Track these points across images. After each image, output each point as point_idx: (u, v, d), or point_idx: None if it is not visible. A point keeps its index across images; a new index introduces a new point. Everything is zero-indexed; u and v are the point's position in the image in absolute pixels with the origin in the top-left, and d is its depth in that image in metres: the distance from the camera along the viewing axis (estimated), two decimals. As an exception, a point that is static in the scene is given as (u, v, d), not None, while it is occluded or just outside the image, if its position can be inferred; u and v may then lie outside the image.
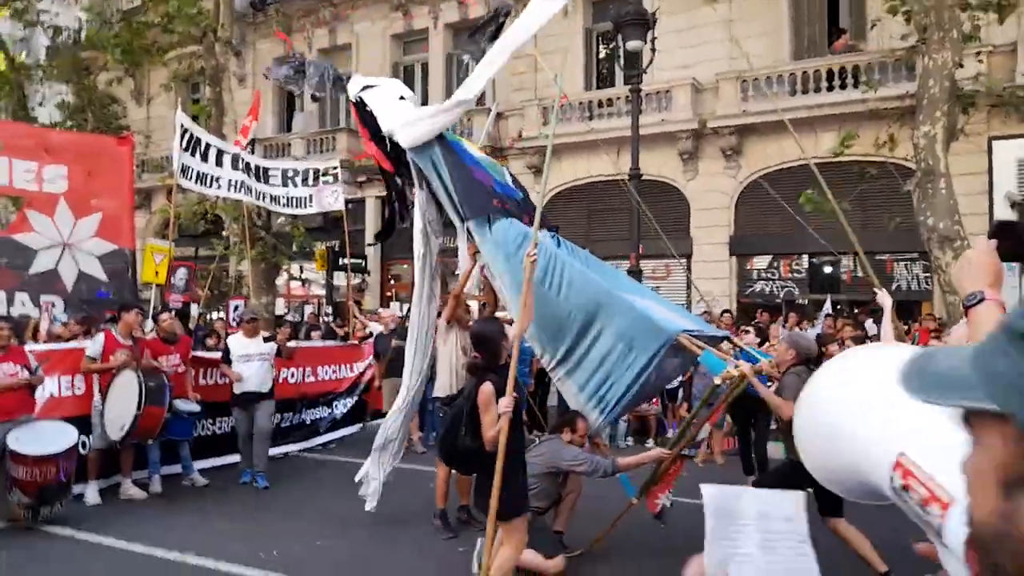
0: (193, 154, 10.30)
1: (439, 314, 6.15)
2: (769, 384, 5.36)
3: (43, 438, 5.72)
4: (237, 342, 7.48)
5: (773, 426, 6.78)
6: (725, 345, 5.90)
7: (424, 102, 19.71)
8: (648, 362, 4.71)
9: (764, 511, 2.24)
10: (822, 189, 6.57)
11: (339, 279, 18.63)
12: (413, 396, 5.98)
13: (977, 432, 0.66)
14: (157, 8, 14.01)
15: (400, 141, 5.50)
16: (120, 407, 6.41)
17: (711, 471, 8.47)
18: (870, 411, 1.93)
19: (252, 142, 11.69)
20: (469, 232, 5.44)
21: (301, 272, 21.11)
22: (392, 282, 20.40)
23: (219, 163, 10.57)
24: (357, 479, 6.04)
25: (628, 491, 5.35)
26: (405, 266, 20.34)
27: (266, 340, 7.68)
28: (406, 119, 5.54)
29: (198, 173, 10.43)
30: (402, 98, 5.86)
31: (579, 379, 5.12)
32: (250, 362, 7.35)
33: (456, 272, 6.85)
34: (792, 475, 4.52)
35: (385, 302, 18.96)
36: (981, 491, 0.64)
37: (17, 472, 5.58)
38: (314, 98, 7.74)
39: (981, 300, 1.31)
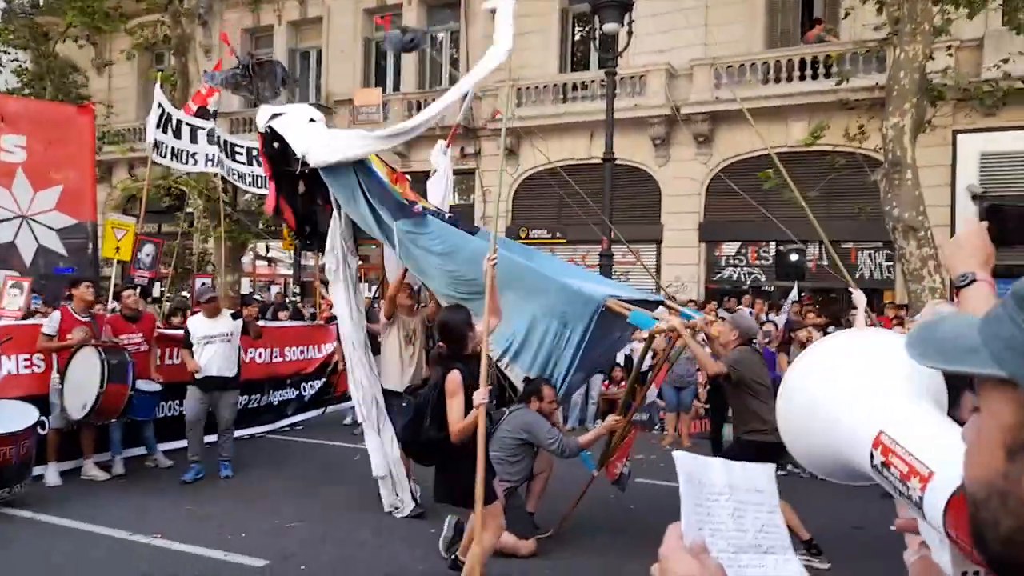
0: (165, 131, 10.10)
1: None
2: (703, 345, 5.60)
3: (2, 418, 5.54)
4: (198, 323, 6.96)
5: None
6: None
7: (396, 79, 19.48)
8: (584, 332, 4.86)
9: (734, 482, 2.25)
10: (793, 181, 6.63)
11: (306, 258, 18.39)
12: (374, 402, 5.97)
13: (983, 398, 0.68)
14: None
15: (312, 161, 5.59)
16: (81, 385, 6.23)
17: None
18: (851, 392, 1.98)
19: (215, 113, 11.43)
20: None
21: (267, 251, 20.77)
22: (360, 263, 20.17)
23: (194, 139, 10.39)
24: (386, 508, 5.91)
25: (588, 466, 5.44)
26: (374, 246, 20.13)
27: (234, 317, 7.46)
28: (323, 141, 5.65)
29: (173, 149, 10.23)
30: (312, 120, 5.95)
31: (524, 362, 5.25)
32: (212, 344, 6.84)
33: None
34: (741, 453, 4.65)
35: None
36: (985, 454, 0.65)
37: (-27, 452, 5.41)
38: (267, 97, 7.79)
39: (972, 281, 1.35)
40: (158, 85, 10.42)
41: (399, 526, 5.64)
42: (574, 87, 16.65)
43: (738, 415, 5.13)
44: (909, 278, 9.29)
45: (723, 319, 8.34)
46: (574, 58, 18.02)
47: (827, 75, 14.07)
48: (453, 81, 18.75)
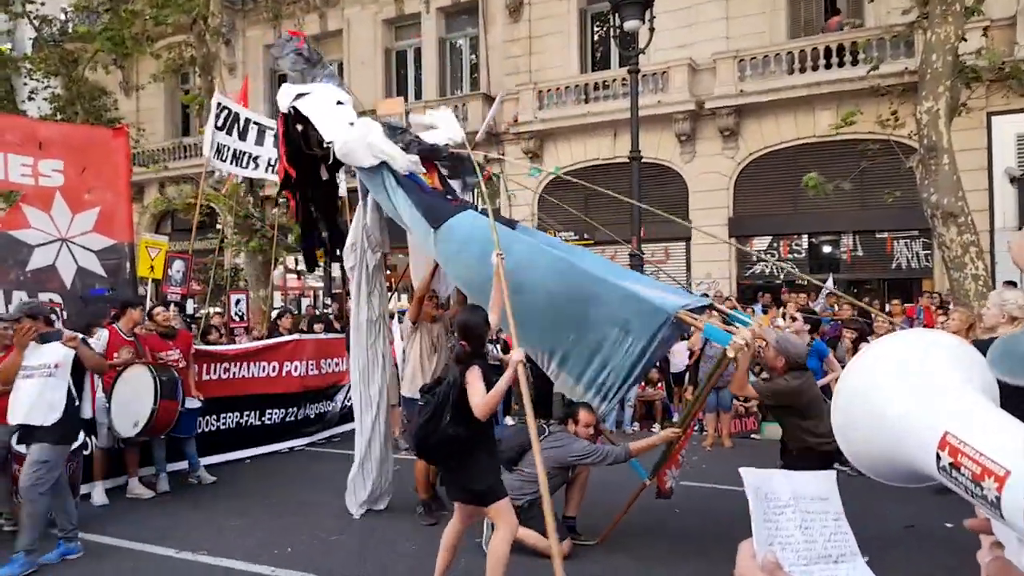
0: (230, 132, 10.06)
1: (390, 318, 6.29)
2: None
3: (48, 440, 5.62)
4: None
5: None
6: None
7: (418, 88, 19.57)
8: (648, 343, 4.63)
9: (798, 492, 2.20)
10: (823, 171, 6.47)
11: (336, 271, 18.53)
12: (378, 404, 6.02)
13: None
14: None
15: (351, 161, 5.41)
16: (131, 404, 6.32)
17: (720, 455, 8.46)
18: (910, 394, 1.93)
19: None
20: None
21: (296, 264, 20.97)
22: (388, 272, 20.28)
23: (260, 141, 10.33)
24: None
25: (641, 474, 5.34)
26: (401, 256, 20.23)
27: (271, 331, 7.49)
28: (357, 135, 5.38)
29: (234, 152, 10.19)
30: (340, 103, 5.64)
31: (574, 369, 5.07)
32: (29, 378, 4.98)
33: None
34: (798, 465, 4.53)
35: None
36: None
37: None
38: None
39: None
40: (217, 92, 10.43)
41: (440, 536, 5.62)
42: (596, 87, 16.57)
43: (787, 431, 4.95)
44: (950, 266, 9.06)
45: (793, 319, 8.16)
46: (594, 58, 17.94)
47: (854, 62, 13.82)
48: (475, 86, 18.80)
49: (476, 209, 5.50)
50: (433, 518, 5.87)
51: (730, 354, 4.25)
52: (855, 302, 8.21)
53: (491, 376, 3.93)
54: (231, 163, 10.34)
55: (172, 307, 8.31)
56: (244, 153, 10.34)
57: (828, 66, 14.24)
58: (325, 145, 5.54)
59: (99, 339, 6.65)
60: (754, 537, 1.64)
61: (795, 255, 15.45)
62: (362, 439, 6.09)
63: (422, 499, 6.03)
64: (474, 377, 3.88)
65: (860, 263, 14.72)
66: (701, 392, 5.40)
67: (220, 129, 9.93)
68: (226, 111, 10.03)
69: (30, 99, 16.83)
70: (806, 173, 11.13)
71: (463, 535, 4.33)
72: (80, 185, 9.58)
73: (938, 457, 1.58)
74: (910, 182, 9.85)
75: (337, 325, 12.01)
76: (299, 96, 5.58)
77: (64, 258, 9.45)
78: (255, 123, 10.39)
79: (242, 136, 10.24)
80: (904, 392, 2.08)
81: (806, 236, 15.29)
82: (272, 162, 10.38)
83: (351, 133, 5.40)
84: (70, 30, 19.05)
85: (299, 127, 5.66)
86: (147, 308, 8.70)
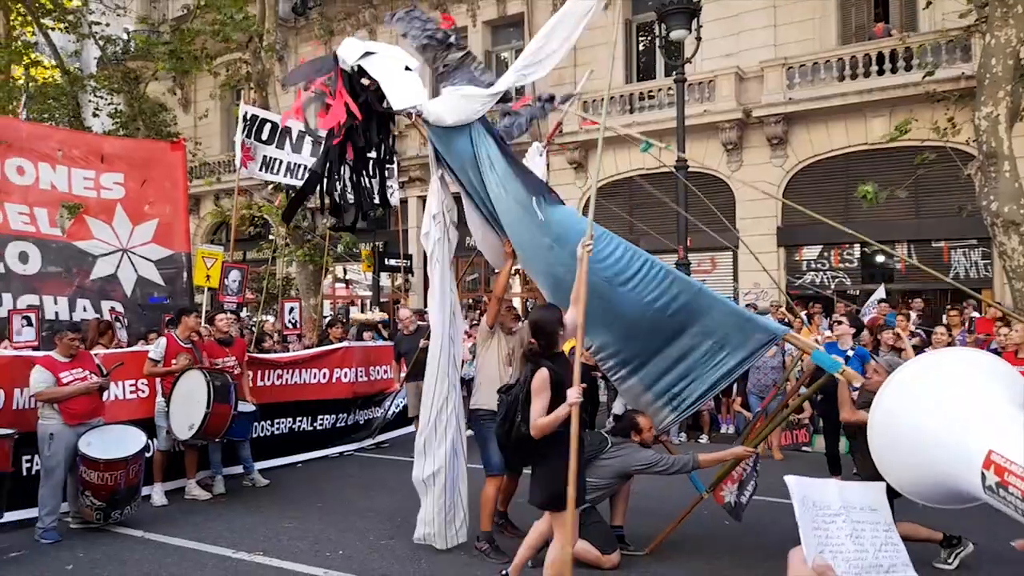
0: (280, 146, 10.30)
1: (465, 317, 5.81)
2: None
3: (113, 443, 5.86)
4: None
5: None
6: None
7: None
8: (742, 361, 4.60)
9: (849, 502, 2.20)
10: (876, 179, 6.34)
11: (384, 279, 18.83)
12: (450, 406, 5.40)
13: None
14: (205, 16, 14.27)
15: (430, 117, 4.96)
16: (187, 407, 6.54)
17: (771, 467, 8.31)
18: (951, 415, 1.91)
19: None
20: (502, 228, 5.08)
21: (345, 273, 21.36)
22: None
23: (298, 150, 10.54)
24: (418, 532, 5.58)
25: (698, 487, 5.28)
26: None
27: (321, 340, 7.65)
28: (437, 98, 5.02)
29: (288, 164, 10.42)
30: (408, 68, 5.19)
31: (647, 377, 4.95)
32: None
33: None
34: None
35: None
36: None
37: (90, 476, 5.73)
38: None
39: None
40: (242, 103, 10.72)
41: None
42: (641, 96, 16.54)
43: (864, 458, 4.82)
44: (1012, 276, 8.79)
45: (839, 322, 8.01)
46: (639, 68, 17.92)
47: (908, 68, 13.52)
48: (520, 93, 18.90)
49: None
50: (503, 556, 5.12)
51: (838, 377, 4.35)
52: (936, 274, 7.36)
53: (562, 377, 3.87)
54: (285, 175, 10.57)
55: (228, 314, 8.53)
56: (298, 165, 10.58)
57: (881, 72, 13.96)
58: (397, 107, 5.06)
59: (158, 346, 6.90)
60: (803, 544, 1.65)
61: (846, 265, 15.13)
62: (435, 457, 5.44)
63: (485, 531, 5.37)
64: (539, 386, 3.84)
65: (915, 273, 14.32)
66: (793, 408, 5.30)
67: (267, 143, 10.15)
68: (269, 124, 10.24)
69: (95, 115, 17.56)
70: (858, 181, 10.94)
71: (547, 537, 4.30)
72: (140, 197, 9.97)
73: (983, 476, 1.57)
74: (968, 190, 9.59)
75: (385, 333, 12.21)
76: (366, 55, 5.09)
77: (125, 268, 9.83)
78: (300, 130, 10.56)
79: (295, 148, 10.48)
80: (943, 412, 2.08)
81: (858, 246, 14.95)
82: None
83: (447, 97, 5.04)
84: (132, 49, 19.83)
85: (364, 82, 5.10)
86: (202, 316, 8.98)
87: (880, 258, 14.89)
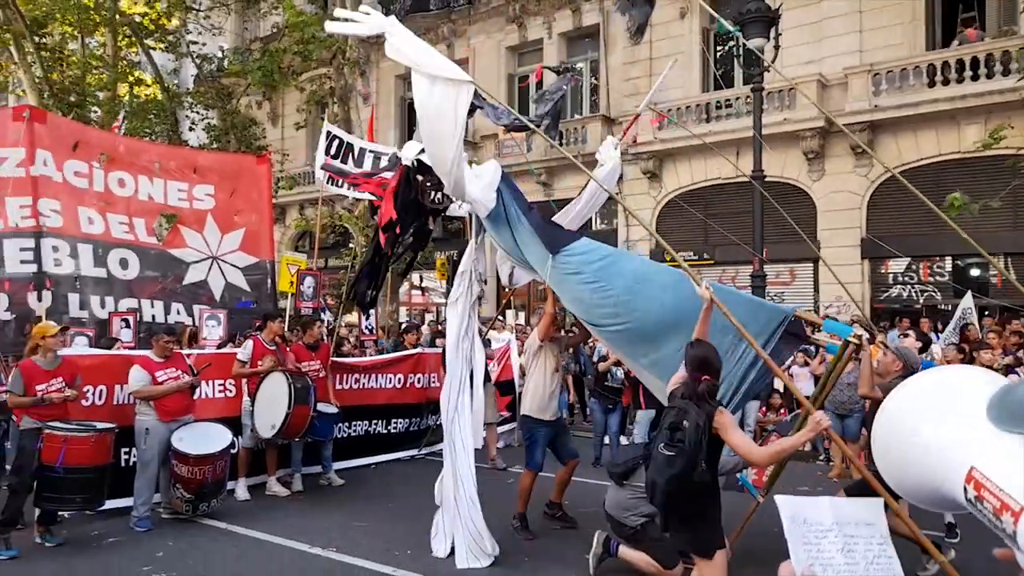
0: (344, 160, 10.68)
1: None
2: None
3: (203, 439, 6.24)
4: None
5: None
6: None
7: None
8: (765, 343, 4.63)
9: (842, 519, 2.23)
10: (969, 189, 6.10)
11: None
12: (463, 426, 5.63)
13: None
14: (292, 35, 14.95)
15: (480, 205, 5.39)
16: (270, 408, 6.88)
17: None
18: (944, 427, 1.95)
19: None
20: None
21: (421, 281, 21.84)
22: (506, 289, 20.70)
23: (375, 166, 10.92)
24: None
25: (752, 492, 5.19)
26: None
27: (395, 345, 7.88)
28: (470, 175, 5.37)
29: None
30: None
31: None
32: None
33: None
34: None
35: (502, 310, 19.25)
36: None
37: (180, 470, 6.11)
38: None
39: None
40: (326, 121, 11.20)
41: (553, 546, 5.72)
42: (718, 105, 16.30)
43: None
44: (1118, 292, 8.21)
45: (905, 335, 7.77)
46: (717, 76, 17.65)
47: (1005, 72, 12.85)
48: (594, 109, 18.98)
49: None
50: (529, 534, 6.01)
51: (852, 340, 4.52)
52: None
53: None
54: (348, 187, 10.94)
55: (321, 322, 8.85)
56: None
57: (975, 78, 13.32)
58: (442, 197, 5.86)
59: (245, 348, 7.28)
60: (792, 558, 1.69)
61: (937, 278, 14.44)
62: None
63: (520, 511, 6.14)
64: (730, 422, 3.65)
65: (1012, 288, 13.53)
66: (824, 389, 5.12)
67: (335, 158, 10.54)
68: (337, 140, 10.64)
69: (191, 130, 18.62)
70: (948, 191, 10.43)
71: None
72: (229, 208, 10.52)
73: (965, 489, 1.64)
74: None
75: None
76: (423, 151, 5.81)
77: (214, 274, 10.38)
78: (370, 151, 11.00)
79: (358, 163, 10.84)
80: (937, 424, 2.11)
81: (949, 258, 14.27)
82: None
83: (478, 181, 5.42)
84: (226, 67, 20.92)
85: (419, 178, 5.91)
86: (286, 320, 9.39)
87: (975, 271, 14.17)
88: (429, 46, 5.04)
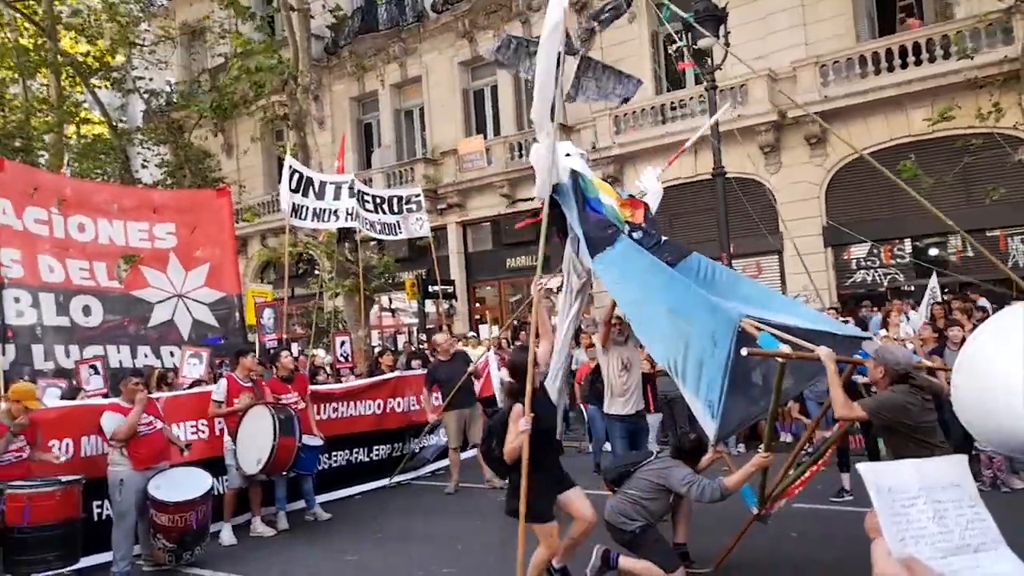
0: (305, 194, 10.68)
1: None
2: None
3: (182, 485, 6.02)
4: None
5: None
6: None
7: (496, 125, 20.01)
8: (728, 352, 4.38)
9: (928, 481, 2.10)
10: (922, 170, 6.21)
11: (428, 306, 19.00)
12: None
13: None
14: (240, 65, 14.76)
15: (537, 194, 5.65)
16: (254, 442, 6.71)
17: (836, 474, 8.09)
18: None
19: None
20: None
21: (390, 303, 21.64)
22: (478, 304, 20.63)
23: (336, 196, 10.92)
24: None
25: (749, 501, 5.16)
26: (489, 288, 20.56)
27: (371, 371, 7.77)
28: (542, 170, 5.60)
29: (314, 211, 10.78)
30: (568, 155, 5.88)
31: (691, 385, 4.93)
32: None
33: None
34: None
35: (474, 325, 19.18)
36: None
37: (160, 519, 5.89)
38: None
39: None
40: (288, 155, 11.11)
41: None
42: (672, 107, 16.48)
43: (895, 456, 4.24)
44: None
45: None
46: (669, 78, 17.87)
47: (946, 56, 13.21)
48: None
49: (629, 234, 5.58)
50: None
51: (779, 360, 4.25)
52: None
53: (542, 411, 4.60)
54: (312, 220, 10.87)
55: (289, 353, 8.69)
56: (324, 210, 10.84)
57: (918, 63, 13.66)
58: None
59: (219, 387, 7.09)
60: (885, 535, 1.61)
61: (898, 261, 14.74)
62: None
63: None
64: (515, 415, 4.54)
65: (971, 264, 13.87)
66: (774, 404, 5.08)
67: (295, 191, 10.47)
68: (298, 174, 10.59)
69: (143, 167, 18.27)
70: (905, 162, 10.63)
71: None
72: (191, 244, 10.33)
73: None
74: (1020, 175, 9.28)
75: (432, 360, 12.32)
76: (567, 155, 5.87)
77: (181, 312, 10.16)
78: (331, 183, 10.96)
79: (319, 196, 10.77)
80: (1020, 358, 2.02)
81: (908, 240, 14.57)
82: (349, 211, 10.83)
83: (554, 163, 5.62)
84: (175, 100, 20.58)
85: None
86: (257, 354, 9.18)
87: (934, 251, 14.48)
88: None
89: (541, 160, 5.53)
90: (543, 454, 4.58)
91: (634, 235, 5.56)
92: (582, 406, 10.22)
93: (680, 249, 5.87)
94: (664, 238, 5.99)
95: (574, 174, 5.63)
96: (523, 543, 4.46)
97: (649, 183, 6.90)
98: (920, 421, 4.11)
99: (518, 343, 11.42)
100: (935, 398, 4.31)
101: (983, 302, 10.15)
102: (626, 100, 7.01)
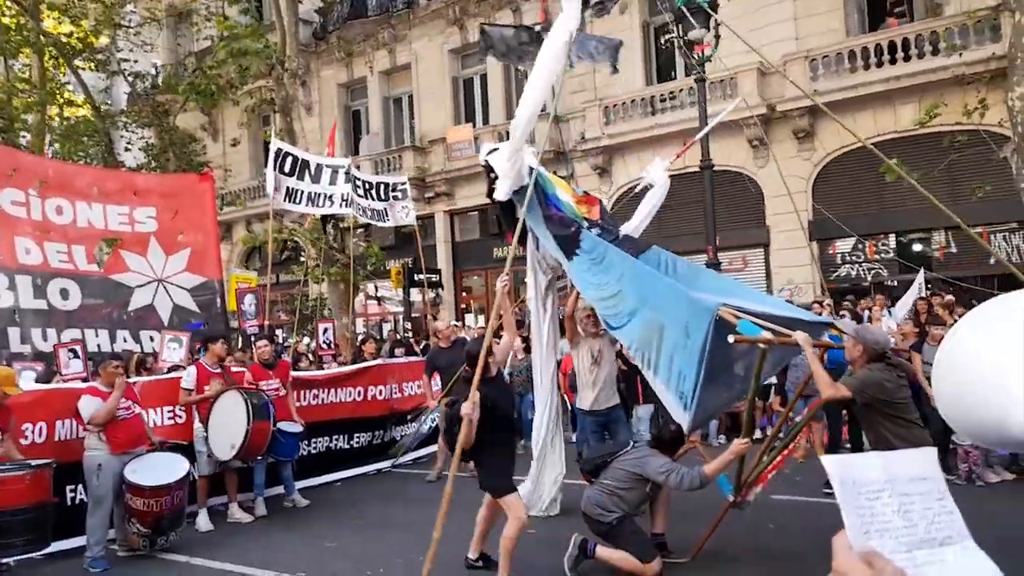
0: (301, 177, 10.57)
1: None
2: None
3: (158, 469, 5.96)
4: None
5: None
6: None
7: (485, 113, 19.90)
8: (704, 342, 4.41)
9: (894, 474, 2.07)
10: (908, 167, 6.23)
11: (414, 295, 18.94)
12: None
13: None
14: (226, 48, 14.56)
15: (498, 195, 5.80)
16: (226, 427, 6.65)
17: (814, 466, 8.13)
18: (1015, 360, 1.88)
19: None
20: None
21: (376, 291, 21.55)
22: (464, 294, 20.58)
23: (332, 181, 10.84)
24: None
25: (725, 489, 5.16)
26: (476, 277, 20.51)
27: (354, 358, 7.72)
28: (503, 172, 5.76)
29: (309, 195, 10.68)
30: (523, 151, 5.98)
31: (663, 376, 4.96)
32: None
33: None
34: None
35: (460, 315, 19.14)
36: None
37: (135, 503, 5.83)
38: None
39: None
40: (275, 138, 10.97)
41: (532, 553, 5.62)
42: (662, 98, 16.45)
43: (876, 441, 4.48)
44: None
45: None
46: (659, 69, 17.83)
47: (935, 52, 13.24)
48: (542, 107, 18.96)
49: (589, 228, 5.73)
50: None
51: (761, 344, 4.23)
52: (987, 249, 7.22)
53: (493, 397, 4.78)
54: (307, 204, 10.75)
55: (268, 340, 8.62)
56: (319, 194, 10.74)
57: (907, 59, 13.69)
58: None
59: (188, 375, 7.01)
60: (847, 527, 1.57)
61: (882, 256, 14.81)
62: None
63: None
64: (467, 409, 4.67)
65: (955, 260, 13.97)
66: (753, 392, 5.08)
67: (289, 175, 10.35)
68: (291, 157, 10.47)
69: (127, 150, 18.03)
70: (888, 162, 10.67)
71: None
72: (172, 228, 10.18)
73: None
74: (1006, 172, 9.33)
75: (417, 349, 12.26)
76: (491, 151, 6.06)
77: (161, 297, 10.03)
78: (327, 166, 10.85)
79: (315, 179, 10.66)
80: (1008, 358, 2.01)
81: (893, 235, 14.65)
82: (344, 196, 10.78)
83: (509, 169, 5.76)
84: (160, 83, 20.32)
85: (492, 175, 6.03)
86: (240, 341, 9.10)
87: (917, 247, 14.56)
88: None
89: (504, 163, 5.65)
90: (502, 436, 4.95)
91: (593, 231, 5.67)
92: (566, 396, 10.22)
93: (639, 243, 6.05)
94: (623, 233, 6.14)
95: (531, 171, 5.68)
96: (440, 527, 4.77)
97: (656, 174, 6.93)
98: (896, 397, 4.39)
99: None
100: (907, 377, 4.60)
101: (950, 297, 10.18)
102: (615, 68, 6.99)
